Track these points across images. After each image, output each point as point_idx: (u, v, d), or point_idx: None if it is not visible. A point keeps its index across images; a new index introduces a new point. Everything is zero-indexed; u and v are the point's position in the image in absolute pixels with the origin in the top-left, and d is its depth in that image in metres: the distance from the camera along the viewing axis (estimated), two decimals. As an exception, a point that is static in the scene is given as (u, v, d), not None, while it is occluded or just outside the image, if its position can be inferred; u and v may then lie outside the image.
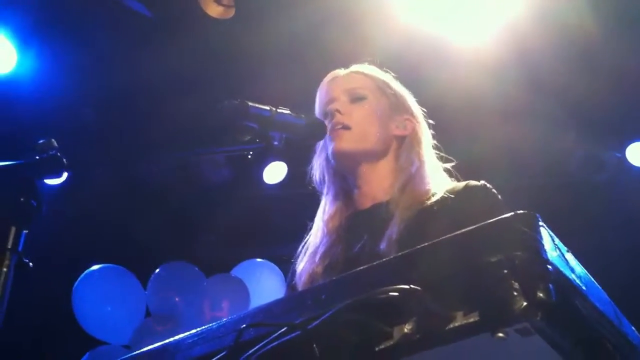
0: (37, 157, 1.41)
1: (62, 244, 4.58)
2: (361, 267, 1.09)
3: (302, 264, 1.95)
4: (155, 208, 4.99)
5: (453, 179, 2.00)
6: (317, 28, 4.42)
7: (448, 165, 2.03)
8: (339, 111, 1.99)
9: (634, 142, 5.12)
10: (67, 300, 4.48)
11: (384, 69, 2.18)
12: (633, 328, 1.17)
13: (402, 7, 4.23)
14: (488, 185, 1.90)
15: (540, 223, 1.01)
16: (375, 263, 1.08)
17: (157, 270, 4.54)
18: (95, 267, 4.54)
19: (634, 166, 5.09)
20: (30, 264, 1.34)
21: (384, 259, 1.09)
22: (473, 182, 1.91)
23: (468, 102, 4.60)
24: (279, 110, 1.95)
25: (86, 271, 4.51)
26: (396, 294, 0.96)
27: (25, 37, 4.51)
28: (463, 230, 1.03)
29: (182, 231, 5.16)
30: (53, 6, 4.44)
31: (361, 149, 1.97)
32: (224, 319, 1.18)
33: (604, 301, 1.09)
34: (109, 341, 4.48)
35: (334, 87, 2.06)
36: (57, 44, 4.55)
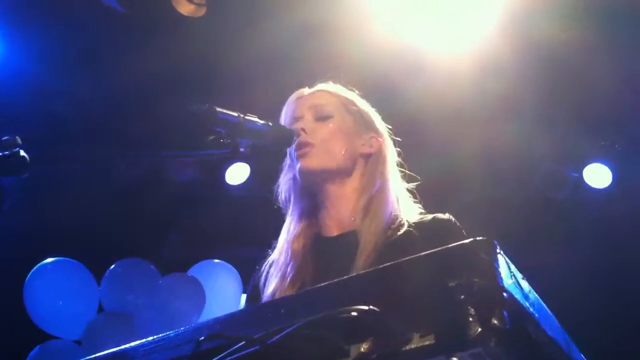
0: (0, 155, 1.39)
1: (19, 235, 4.51)
2: (321, 284, 1.11)
3: (272, 285, 1.94)
4: (119, 205, 4.95)
5: (416, 200, 2.02)
6: (295, 30, 4.43)
7: (411, 185, 2.05)
8: (304, 130, 2.00)
9: (591, 163, 5.23)
10: (18, 293, 4.41)
11: (349, 87, 2.20)
12: (582, 355, 1.21)
13: (380, 17, 4.26)
14: (453, 219, 1.92)
15: (498, 250, 1.04)
16: (336, 280, 1.10)
17: (112, 266, 4.49)
18: (49, 260, 4.47)
19: (590, 187, 5.20)
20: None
21: (345, 277, 1.11)
22: (439, 217, 1.94)
23: (442, 113, 4.66)
24: (247, 117, 1.96)
25: (39, 264, 4.44)
26: (355, 314, 0.98)
27: (2, 33, 4.45)
28: (424, 253, 1.05)
29: (145, 229, 5.12)
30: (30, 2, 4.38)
31: (327, 167, 1.98)
32: (183, 328, 1.19)
33: (555, 328, 1.12)
34: (60, 336, 4.42)
35: (299, 105, 2.08)
36: (33, 39, 4.49)
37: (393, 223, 1.90)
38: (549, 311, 1.12)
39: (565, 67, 4.41)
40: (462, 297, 0.98)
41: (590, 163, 5.20)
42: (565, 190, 5.31)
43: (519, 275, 1.06)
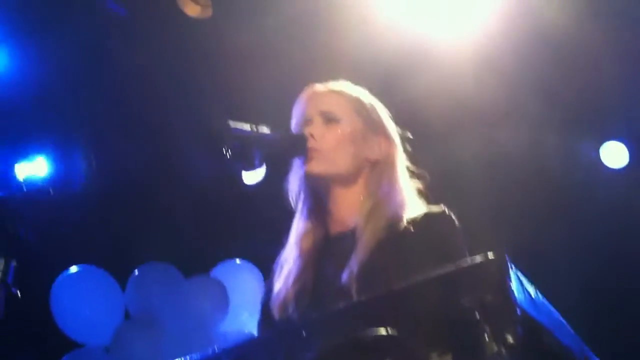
0: (24, 188, 1.43)
1: (41, 244, 4.57)
2: (340, 305, 1.14)
3: (278, 285, 1.98)
4: (133, 209, 5.00)
5: (423, 198, 2.03)
6: (298, 28, 4.45)
7: (421, 185, 2.05)
8: (312, 136, 2.01)
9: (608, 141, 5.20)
10: (45, 301, 4.47)
11: (361, 84, 2.19)
12: (598, 359, 1.23)
13: (382, 11, 4.26)
14: (447, 212, 1.92)
15: (510, 265, 1.06)
16: (353, 302, 1.13)
17: (135, 271, 4.54)
18: (73, 268, 4.53)
19: (607, 167, 5.18)
20: (19, 293, 1.37)
21: (361, 299, 1.14)
22: (432, 212, 1.94)
23: (447, 106, 4.66)
24: (259, 129, 1.99)
25: (64, 273, 4.50)
26: (375, 337, 1.01)
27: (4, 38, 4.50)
28: (436, 272, 1.08)
29: (161, 231, 5.17)
30: (30, 3, 4.42)
31: (331, 173, 1.99)
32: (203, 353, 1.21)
33: (569, 336, 1.15)
34: (88, 343, 4.48)
35: (309, 107, 2.07)
36: (29, 42, 4.54)
37: (394, 223, 1.91)
38: (562, 320, 1.15)
39: (571, 58, 4.40)
40: (477, 315, 1.00)
41: (605, 142, 5.19)
42: (580, 172, 5.30)
43: (531, 289, 1.09)
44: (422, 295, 1.07)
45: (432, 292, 1.06)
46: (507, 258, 1.07)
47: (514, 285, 1.04)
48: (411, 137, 2.17)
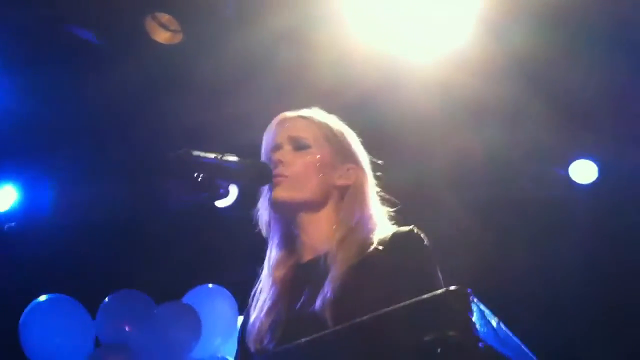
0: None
1: (9, 274, 4.51)
2: (300, 341, 1.11)
3: (252, 318, 1.97)
4: (103, 236, 4.95)
5: (394, 223, 2.03)
6: (269, 52, 4.45)
7: (391, 211, 2.05)
8: (281, 161, 2.01)
9: (576, 159, 5.27)
10: (14, 332, 4.39)
11: (334, 108, 2.20)
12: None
13: (352, 26, 4.28)
14: (415, 231, 1.92)
15: (471, 298, 1.05)
16: (314, 337, 1.11)
17: (106, 299, 4.48)
18: (41, 297, 4.46)
19: (577, 184, 5.24)
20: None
21: (322, 333, 1.12)
22: (399, 231, 1.94)
23: (416, 121, 4.69)
24: (224, 157, 1.97)
25: (32, 302, 4.42)
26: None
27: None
28: (398, 306, 1.06)
29: (132, 258, 5.12)
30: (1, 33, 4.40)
31: (297, 199, 1.99)
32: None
33: (535, 368, 1.13)
34: (58, 373, 4.41)
35: (279, 133, 2.08)
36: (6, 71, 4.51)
37: (365, 247, 1.91)
38: (529, 352, 1.14)
39: (541, 70, 4.45)
40: (439, 350, 0.99)
41: (575, 160, 5.25)
42: (552, 188, 5.35)
43: (494, 321, 1.08)
44: (382, 330, 1.05)
45: (392, 327, 1.05)
46: (469, 291, 1.06)
47: (475, 318, 1.03)
48: (380, 162, 2.17)
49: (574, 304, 5.07)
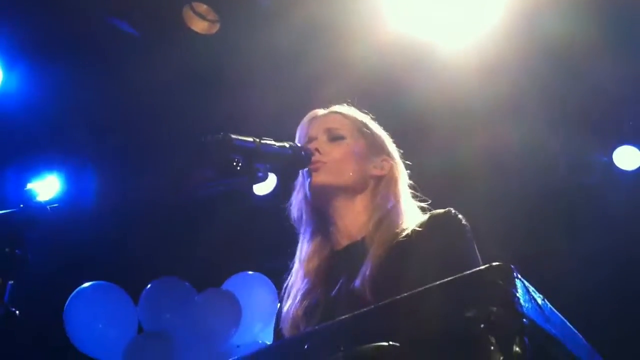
0: (22, 206, 1.42)
1: (52, 261, 4.58)
2: (342, 317, 1.11)
3: (286, 308, 1.98)
4: (146, 225, 5.00)
5: (426, 213, 2.02)
6: (305, 42, 4.45)
7: (423, 204, 2.06)
8: (317, 150, 2.03)
9: (621, 145, 5.16)
10: (59, 318, 4.47)
11: (363, 110, 2.22)
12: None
13: (385, 16, 4.26)
14: (453, 211, 1.93)
15: (515, 274, 1.03)
16: (355, 313, 1.10)
17: (148, 286, 4.53)
18: (86, 284, 4.53)
19: (621, 170, 5.14)
20: (17, 312, 1.35)
21: (364, 310, 1.11)
22: (437, 212, 1.96)
23: (452, 109, 4.63)
24: (262, 141, 1.97)
25: (77, 289, 4.50)
26: (377, 349, 0.98)
27: (11, 57, 4.53)
28: (439, 282, 1.05)
29: (173, 246, 5.17)
30: (40, 27, 4.46)
31: (337, 184, 2.01)
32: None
33: (581, 346, 1.11)
34: (100, 358, 4.47)
35: (313, 126, 2.12)
36: (44, 63, 4.57)
37: (402, 230, 1.92)
38: (573, 329, 1.11)
39: (581, 57, 4.36)
40: (482, 326, 0.97)
41: (619, 146, 5.15)
42: (593, 177, 5.25)
43: (539, 298, 1.06)
44: (423, 306, 1.04)
45: (435, 303, 1.03)
46: (513, 267, 1.04)
47: (519, 294, 1.01)
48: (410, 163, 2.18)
49: (615, 293, 4.97)
